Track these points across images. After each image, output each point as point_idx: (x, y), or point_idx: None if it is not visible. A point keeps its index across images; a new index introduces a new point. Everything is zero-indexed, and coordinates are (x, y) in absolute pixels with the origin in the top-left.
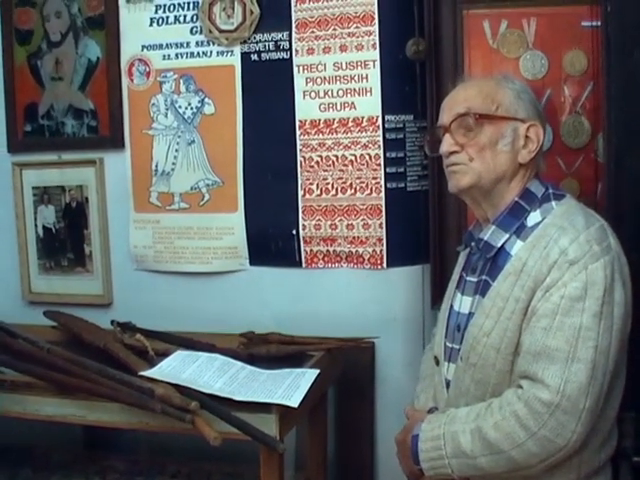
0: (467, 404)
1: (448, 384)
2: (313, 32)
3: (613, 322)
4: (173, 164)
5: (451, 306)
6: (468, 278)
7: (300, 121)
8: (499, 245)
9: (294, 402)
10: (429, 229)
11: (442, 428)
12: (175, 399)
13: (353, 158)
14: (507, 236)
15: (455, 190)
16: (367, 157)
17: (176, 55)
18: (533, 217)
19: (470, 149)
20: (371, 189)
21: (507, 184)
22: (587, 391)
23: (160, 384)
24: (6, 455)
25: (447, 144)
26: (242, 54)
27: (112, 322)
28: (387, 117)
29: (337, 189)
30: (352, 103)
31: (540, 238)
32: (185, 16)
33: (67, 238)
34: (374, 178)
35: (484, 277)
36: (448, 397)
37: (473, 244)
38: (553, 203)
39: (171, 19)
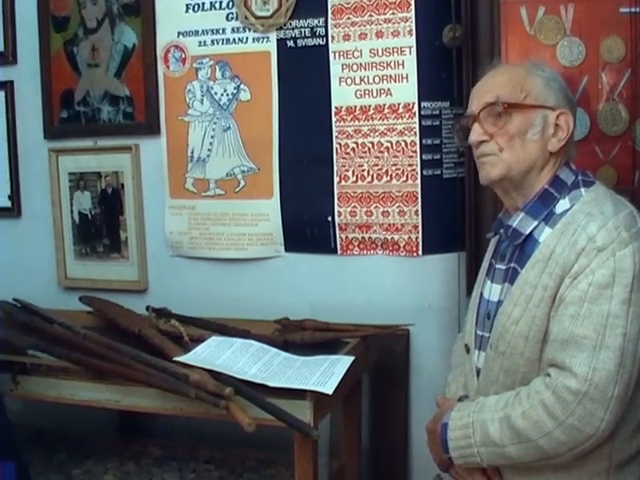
0: (497, 392)
1: (479, 372)
2: (349, 18)
3: None
4: (209, 150)
5: (481, 294)
6: (497, 266)
7: (336, 107)
8: (527, 232)
9: (328, 389)
10: (465, 216)
11: (471, 417)
12: (210, 385)
13: (389, 145)
14: (535, 223)
15: (486, 182)
16: (403, 144)
17: (212, 41)
18: (562, 204)
19: (499, 138)
20: (407, 176)
21: (537, 173)
22: (616, 379)
23: (195, 370)
24: (41, 439)
25: (476, 134)
26: (278, 40)
27: (147, 308)
28: (423, 104)
29: (373, 176)
30: (388, 90)
31: (568, 225)
32: (221, 2)
33: (103, 224)
34: (410, 165)
35: (513, 265)
36: (478, 385)
37: (502, 231)
38: (582, 190)
39: (207, 5)
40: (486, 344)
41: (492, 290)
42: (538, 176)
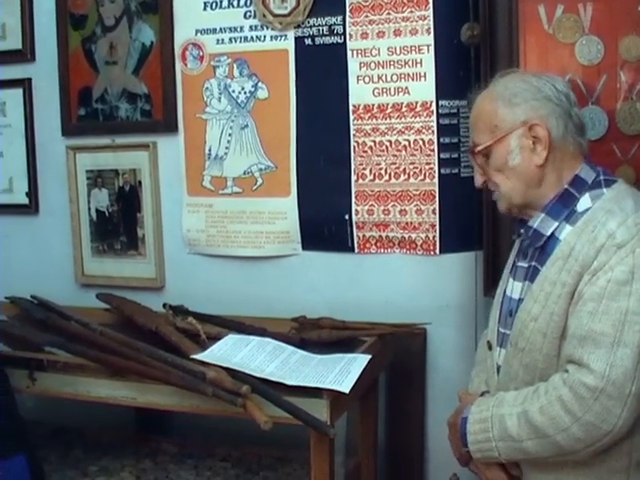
0: (516, 389)
1: (499, 369)
2: (367, 16)
3: None
4: (226, 148)
5: (504, 292)
6: (519, 263)
7: (354, 106)
8: (548, 233)
9: (345, 387)
10: (482, 215)
11: (490, 411)
12: (226, 382)
13: (407, 143)
14: (556, 224)
15: (501, 212)
16: (421, 142)
17: (230, 39)
18: (583, 203)
19: (492, 175)
20: (424, 175)
21: (537, 189)
22: (633, 376)
23: (212, 367)
24: (58, 436)
25: (476, 179)
26: (296, 38)
27: (164, 305)
28: (441, 102)
29: (390, 174)
30: (406, 88)
31: (588, 222)
32: (239, 0)
33: (120, 221)
34: (427, 164)
35: (533, 263)
36: (498, 382)
37: (523, 231)
38: (604, 189)
39: (225, 3)
40: (507, 341)
41: (514, 288)
42: (539, 190)
